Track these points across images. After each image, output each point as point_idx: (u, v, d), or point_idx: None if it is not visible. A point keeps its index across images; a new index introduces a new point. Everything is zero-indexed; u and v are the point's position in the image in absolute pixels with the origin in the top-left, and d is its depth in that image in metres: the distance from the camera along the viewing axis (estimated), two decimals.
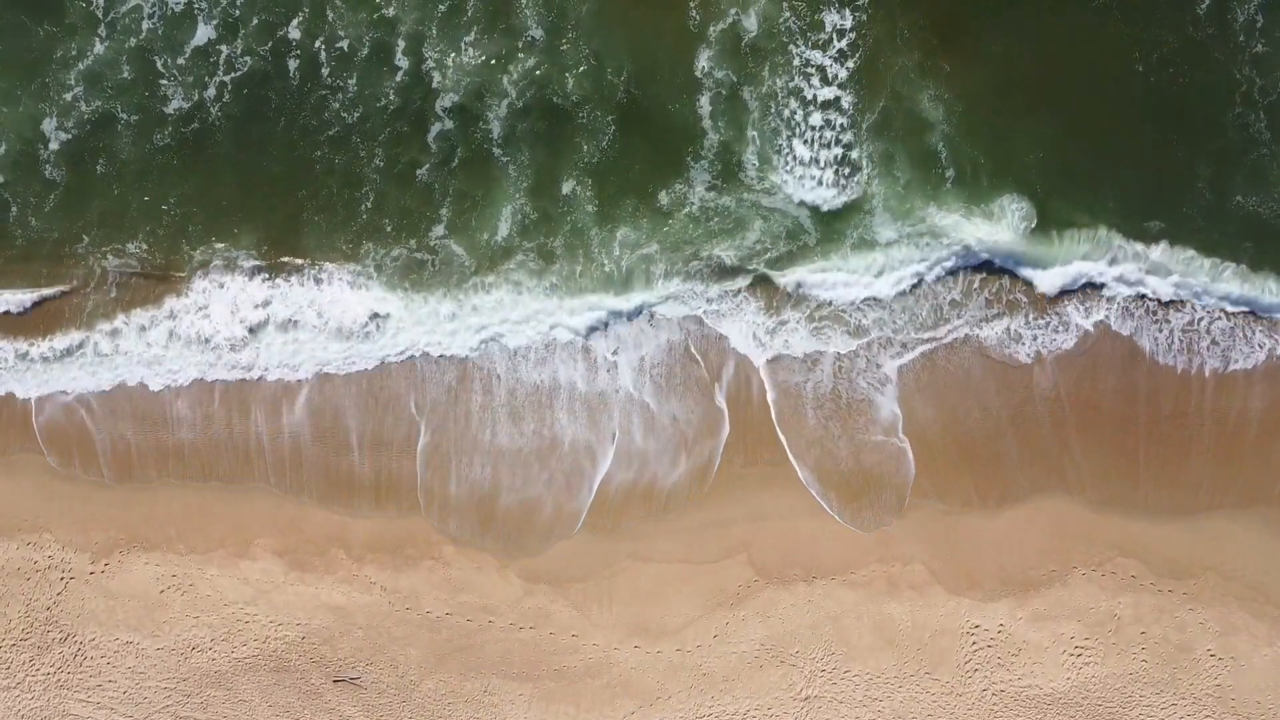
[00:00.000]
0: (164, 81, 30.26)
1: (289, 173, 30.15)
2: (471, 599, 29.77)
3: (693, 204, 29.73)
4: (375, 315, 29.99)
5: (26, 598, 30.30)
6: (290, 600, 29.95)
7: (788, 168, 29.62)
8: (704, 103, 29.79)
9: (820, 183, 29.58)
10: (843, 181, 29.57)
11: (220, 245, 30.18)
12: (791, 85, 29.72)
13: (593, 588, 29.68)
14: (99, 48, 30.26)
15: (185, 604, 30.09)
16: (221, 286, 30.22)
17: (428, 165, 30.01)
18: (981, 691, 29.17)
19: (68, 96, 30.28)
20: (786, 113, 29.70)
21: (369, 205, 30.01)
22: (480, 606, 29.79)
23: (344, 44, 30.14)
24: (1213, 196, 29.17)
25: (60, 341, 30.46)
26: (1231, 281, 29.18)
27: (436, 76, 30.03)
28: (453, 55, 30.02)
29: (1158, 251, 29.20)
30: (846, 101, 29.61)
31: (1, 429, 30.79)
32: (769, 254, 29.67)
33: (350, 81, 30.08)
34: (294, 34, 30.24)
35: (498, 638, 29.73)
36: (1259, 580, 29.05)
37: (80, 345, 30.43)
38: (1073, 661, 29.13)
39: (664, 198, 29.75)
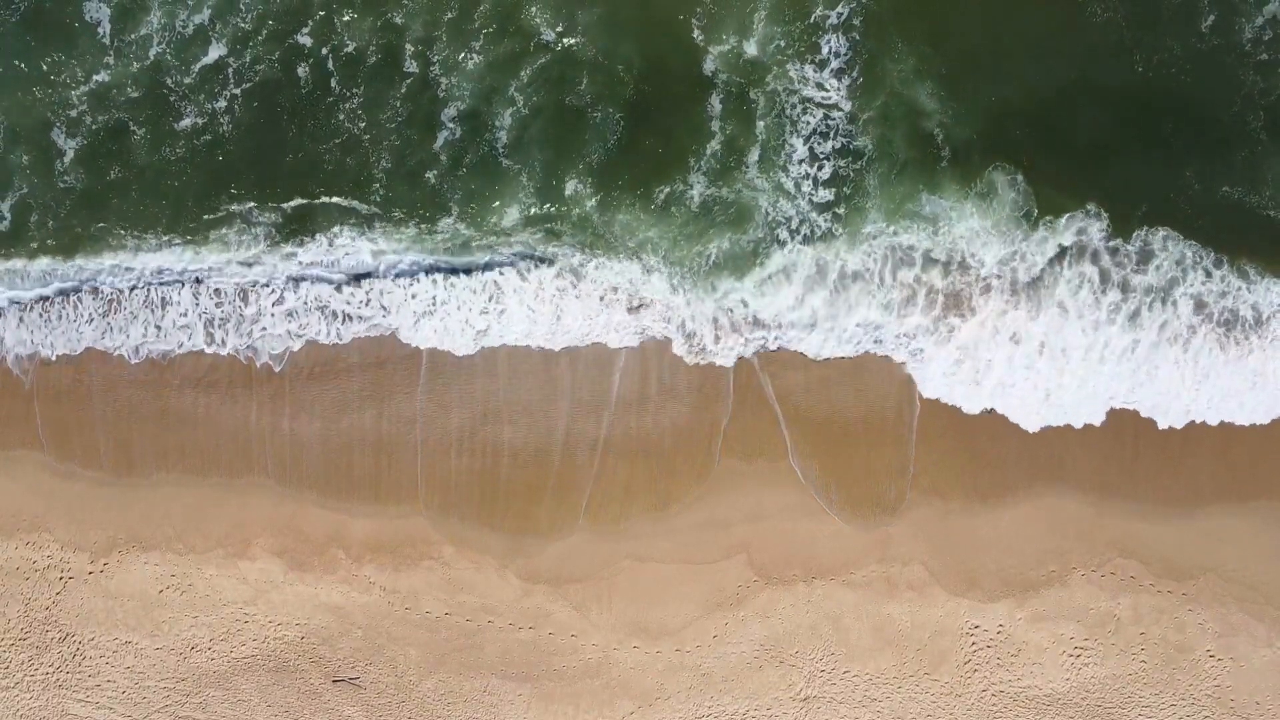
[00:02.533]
0: (174, 98, 30.21)
1: (301, 168, 30.12)
2: (470, 599, 29.75)
3: (693, 198, 29.66)
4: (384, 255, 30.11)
5: (25, 597, 30.28)
6: (289, 600, 29.93)
7: (785, 168, 29.61)
8: (712, 103, 29.74)
9: (816, 184, 29.55)
10: (841, 175, 29.58)
11: (235, 211, 30.17)
12: (791, 88, 29.66)
13: (592, 588, 29.66)
14: (106, 73, 30.20)
15: (184, 604, 30.07)
16: (227, 243, 30.22)
17: (436, 168, 29.96)
18: (981, 692, 29.17)
19: (73, 113, 30.23)
20: (789, 110, 29.66)
21: (379, 198, 29.97)
22: (479, 606, 29.77)
23: (352, 49, 30.04)
24: (1202, 189, 29.06)
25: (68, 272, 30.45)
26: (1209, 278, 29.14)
27: (444, 81, 29.98)
28: (462, 57, 29.92)
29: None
30: (845, 102, 29.59)
31: (1, 423, 30.71)
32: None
33: (359, 87, 30.02)
34: (304, 40, 30.15)
35: (497, 638, 29.72)
36: (1258, 581, 29.04)
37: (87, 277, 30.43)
38: (1072, 662, 29.12)
39: (664, 191, 29.68)
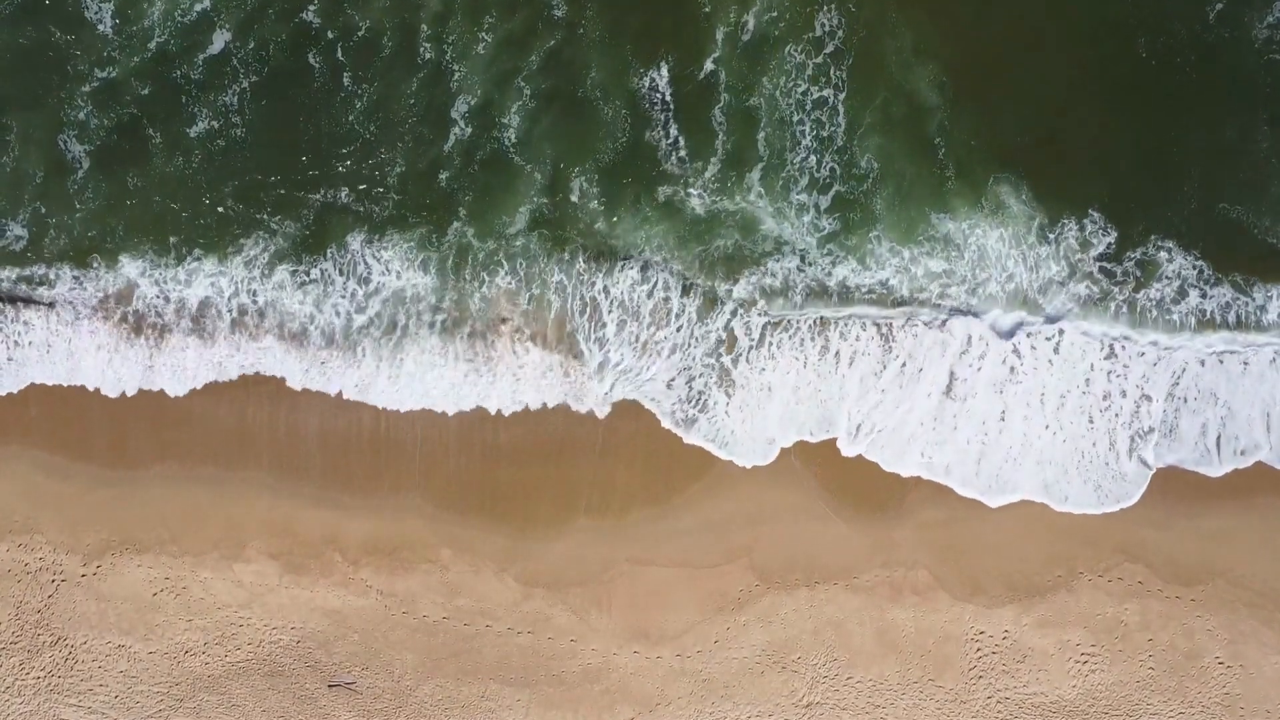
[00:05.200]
0: (184, 99, 30.05)
1: (311, 166, 29.96)
2: (469, 603, 29.51)
3: (694, 205, 29.55)
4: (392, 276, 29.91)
5: (17, 600, 30.06)
6: (285, 604, 29.69)
7: (789, 175, 29.53)
8: (714, 108, 29.68)
9: (817, 188, 29.44)
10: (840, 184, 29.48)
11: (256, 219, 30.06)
12: (788, 86, 29.57)
13: (591, 592, 29.41)
14: (114, 69, 30.09)
15: (178, 607, 29.83)
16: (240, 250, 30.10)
17: (448, 169, 29.82)
18: (986, 699, 28.90)
19: (81, 116, 30.06)
20: (788, 113, 29.56)
21: (392, 203, 29.82)
22: (477, 610, 29.53)
23: (362, 32, 29.93)
24: (1201, 197, 28.92)
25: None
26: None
27: (457, 68, 29.88)
28: (473, 40, 29.86)
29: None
30: (842, 102, 29.48)
31: None
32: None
33: (369, 80, 29.89)
34: (312, 19, 30.06)
35: (495, 642, 29.47)
36: (1268, 586, 28.81)
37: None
38: (1079, 669, 28.86)
39: (665, 193, 29.58)
